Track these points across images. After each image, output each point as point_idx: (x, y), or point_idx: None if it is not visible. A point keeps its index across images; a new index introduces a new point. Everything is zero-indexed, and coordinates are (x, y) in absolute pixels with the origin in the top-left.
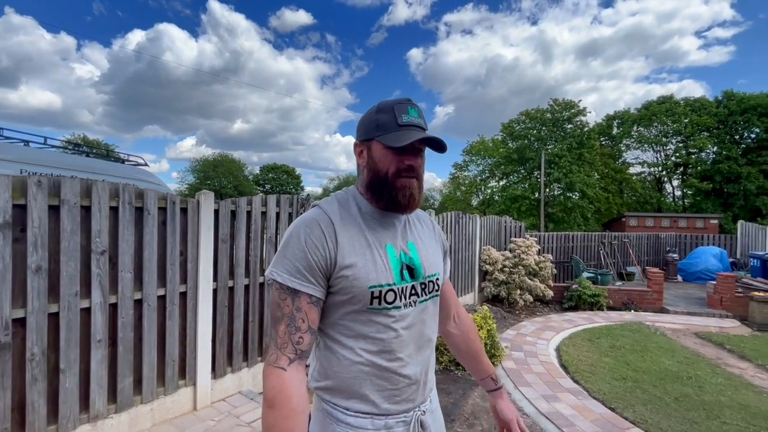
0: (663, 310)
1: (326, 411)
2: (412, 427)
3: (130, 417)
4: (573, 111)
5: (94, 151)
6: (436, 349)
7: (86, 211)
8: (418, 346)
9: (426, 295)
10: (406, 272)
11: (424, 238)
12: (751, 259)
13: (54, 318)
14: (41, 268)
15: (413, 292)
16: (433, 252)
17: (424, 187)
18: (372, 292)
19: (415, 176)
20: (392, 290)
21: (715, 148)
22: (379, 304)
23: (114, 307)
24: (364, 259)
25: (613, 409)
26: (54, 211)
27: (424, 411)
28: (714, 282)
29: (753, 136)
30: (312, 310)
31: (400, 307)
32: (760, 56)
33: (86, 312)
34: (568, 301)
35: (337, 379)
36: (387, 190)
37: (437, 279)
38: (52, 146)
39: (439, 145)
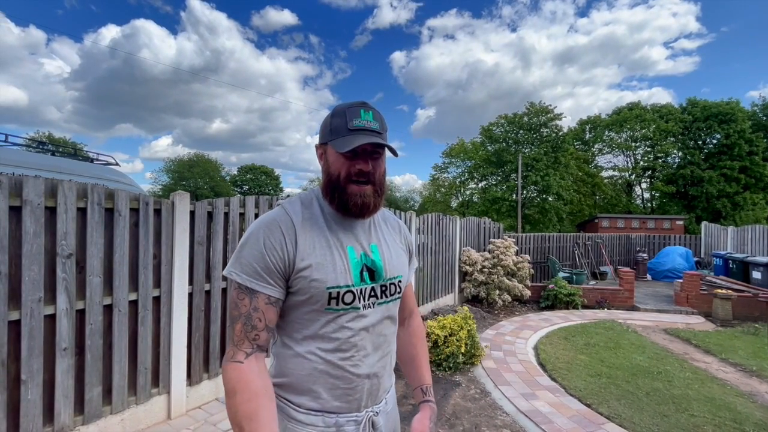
0: (634, 308)
1: (279, 407)
2: (362, 427)
3: (98, 429)
4: (549, 116)
5: (61, 149)
6: None
7: (51, 212)
8: (375, 347)
9: (387, 297)
10: (366, 274)
11: (388, 240)
12: (714, 258)
13: (15, 326)
14: (0, 273)
15: (372, 293)
16: (396, 254)
17: (403, 189)
18: (330, 293)
19: (368, 182)
20: (351, 291)
21: (680, 153)
22: (337, 304)
23: (81, 313)
24: (324, 260)
25: (589, 405)
26: (15, 212)
27: (377, 412)
28: (680, 280)
29: (714, 141)
30: (270, 310)
31: (359, 308)
32: (722, 66)
33: (51, 319)
34: (545, 301)
35: (291, 376)
36: (338, 195)
37: (399, 281)
38: (14, 144)
39: (389, 149)
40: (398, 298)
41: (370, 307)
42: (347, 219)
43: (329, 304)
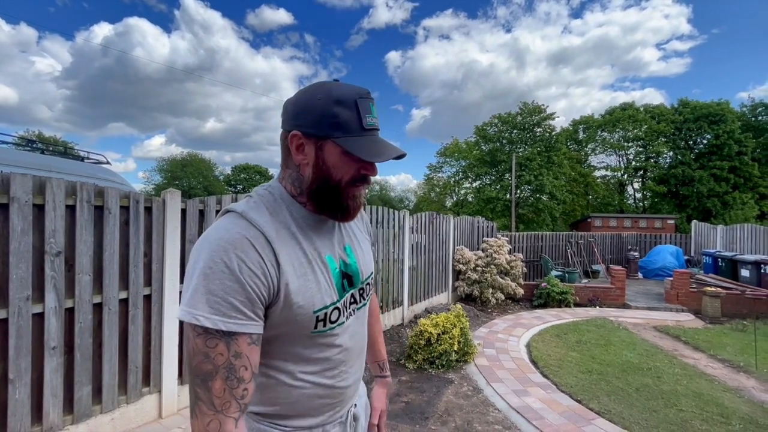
0: (625, 306)
1: (261, 430)
2: (348, 425)
3: (88, 428)
4: (542, 115)
5: (50, 148)
6: (410, 348)
7: (40, 209)
8: (358, 352)
9: (364, 299)
10: (345, 281)
11: (358, 236)
12: (704, 257)
13: (2, 324)
14: None
15: (353, 300)
16: (366, 250)
17: (398, 188)
18: (317, 317)
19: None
20: (337, 308)
21: (671, 153)
22: (324, 326)
23: (71, 311)
24: (306, 281)
25: (579, 401)
26: (2, 209)
27: (355, 404)
28: (671, 278)
29: (705, 142)
30: (254, 351)
31: (343, 322)
32: (712, 67)
33: (39, 317)
34: (537, 299)
35: (275, 405)
36: (337, 200)
37: (372, 279)
38: (3, 142)
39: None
40: (370, 296)
41: (351, 315)
42: (320, 221)
43: (316, 327)
